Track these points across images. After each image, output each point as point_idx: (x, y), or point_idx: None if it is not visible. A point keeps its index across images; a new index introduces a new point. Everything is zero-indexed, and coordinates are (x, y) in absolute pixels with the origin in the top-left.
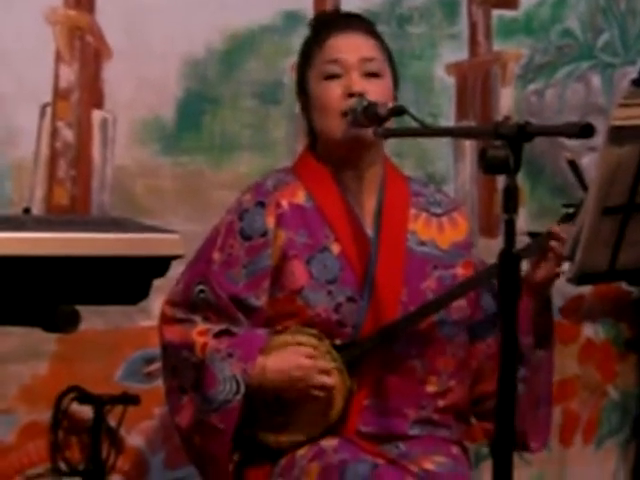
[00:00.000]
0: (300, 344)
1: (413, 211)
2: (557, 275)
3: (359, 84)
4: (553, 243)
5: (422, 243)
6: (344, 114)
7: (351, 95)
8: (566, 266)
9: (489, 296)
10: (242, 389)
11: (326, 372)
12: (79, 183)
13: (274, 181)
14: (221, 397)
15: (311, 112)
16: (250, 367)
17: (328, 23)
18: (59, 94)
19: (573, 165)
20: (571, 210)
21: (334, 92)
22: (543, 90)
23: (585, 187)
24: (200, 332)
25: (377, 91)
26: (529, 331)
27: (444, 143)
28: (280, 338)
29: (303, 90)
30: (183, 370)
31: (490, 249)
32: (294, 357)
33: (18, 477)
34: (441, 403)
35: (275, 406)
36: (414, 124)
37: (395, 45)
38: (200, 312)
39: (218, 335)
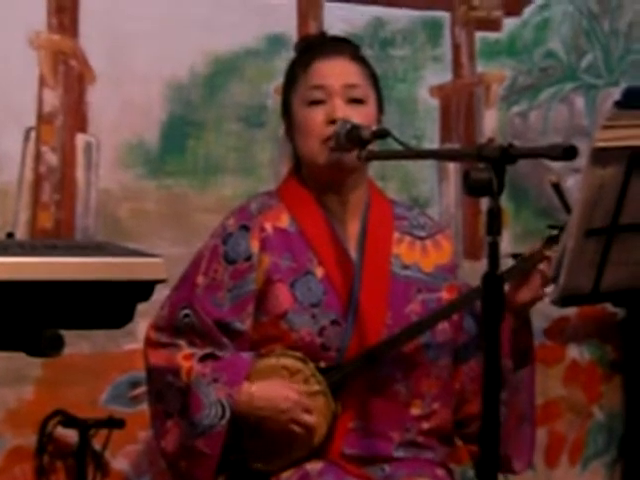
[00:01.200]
0: (285, 367)
1: (397, 235)
2: (540, 298)
3: (342, 110)
4: (542, 266)
5: (406, 267)
6: (326, 140)
7: (333, 122)
8: (550, 288)
9: (471, 319)
10: (227, 414)
11: (309, 411)
12: (63, 207)
13: (258, 205)
14: (206, 422)
15: (295, 136)
16: (235, 392)
17: (313, 47)
18: (43, 118)
19: (557, 188)
20: (555, 232)
21: (317, 118)
22: (527, 112)
23: (569, 209)
24: (185, 356)
25: (360, 118)
26: (507, 354)
27: (428, 166)
28: (265, 361)
29: (287, 113)
30: (168, 394)
31: (475, 271)
32: (283, 389)
33: None
34: (425, 426)
35: (260, 430)
36: (398, 147)
37: (379, 68)
38: (185, 336)
39: (203, 359)
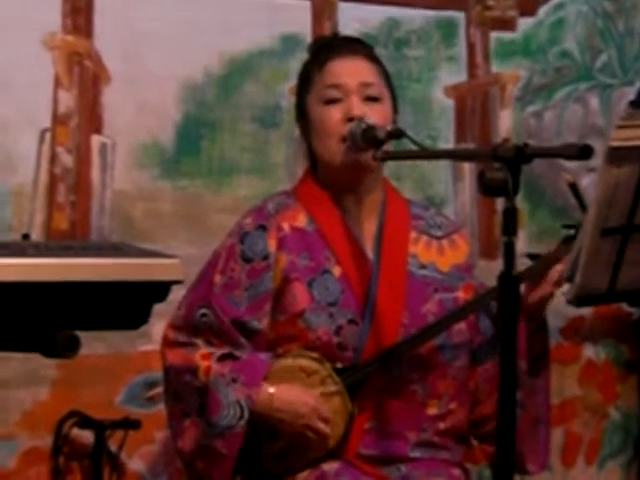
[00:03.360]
0: (302, 368)
1: (413, 234)
2: (551, 295)
3: (359, 108)
4: (559, 267)
5: (422, 266)
6: (344, 139)
7: (351, 119)
8: (566, 287)
9: (487, 319)
10: (246, 414)
11: (326, 421)
12: (78, 208)
13: (275, 204)
14: (225, 422)
15: (311, 136)
16: (255, 393)
17: (328, 47)
18: (58, 119)
19: (573, 187)
20: (572, 232)
21: (334, 117)
22: (542, 112)
23: (586, 209)
24: (203, 356)
25: (377, 116)
26: (522, 355)
27: (443, 166)
28: (281, 362)
29: (303, 114)
30: (186, 394)
31: (490, 271)
32: (303, 394)
33: None
34: (442, 426)
35: (276, 432)
36: (413, 147)
37: (393, 68)
38: (202, 336)
39: (221, 359)
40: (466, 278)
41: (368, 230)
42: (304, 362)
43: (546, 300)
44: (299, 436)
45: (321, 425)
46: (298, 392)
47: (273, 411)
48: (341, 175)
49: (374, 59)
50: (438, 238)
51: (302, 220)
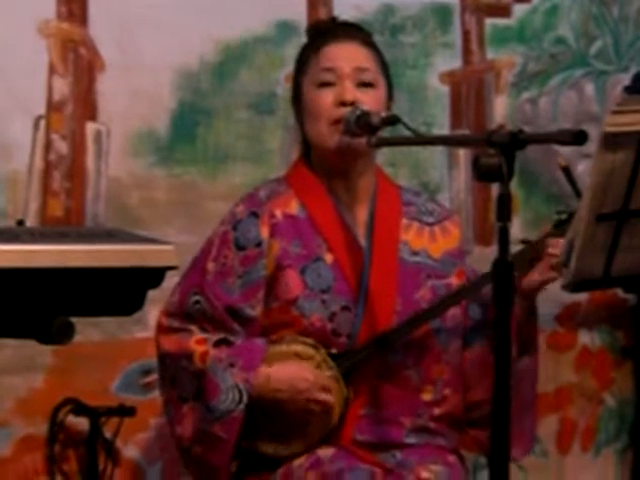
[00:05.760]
0: (297, 354)
1: (405, 221)
2: (552, 279)
3: (352, 93)
4: (552, 250)
5: (414, 253)
6: (336, 122)
7: (343, 104)
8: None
9: (476, 305)
10: (245, 399)
11: (327, 390)
12: (73, 195)
13: (267, 191)
14: (224, 407)
15: (304, 120)
16: (253, 376)
17: (325, 31)
18: (53, 106)
19: (566, 171)
20: (564, 216)
21: (326, 100)
22: (537, 98)
23: (578, 192)
24: (198, 341)
25: (370, 101)
26: (513, 341)
27: (438, 152)
28: (276, 348)
29: (298, 98)
30: (182, 379)
31: (485, 257)
32: (299, 369)
33: None
34: (437, 411)
35: (273, 416)
36: (408, 133)
37: (388, 54)
38: (196, 322)
39: (217, 344)
40: (458, 264)
41: (360, 217)
42: (299, 348)
43: (545, 285)
44: (300, 417)
45: (323, 395)
46: (294, 369)
47: (272, 391)
48: (333, 159)
49: (371, 45)
50: (430, 224)
51: (294, 207)
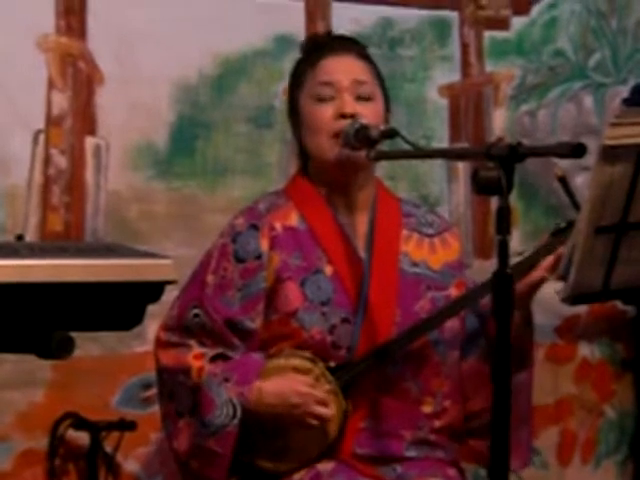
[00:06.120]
0: (295, 368)
1: (405, 232)
2: (542, 281)
3: (351, 106)
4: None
5: (414, 264)
6: (336, 135)
7: (343, 116)
8: (560, 286)
9: (472, 316)
10: (239, 413)
11: (324, 403)
12: (73, 209)
13: (267, 204)
14: (218, 421)
15: (303, 133)
16: (247, 391)
17: (320, 45)
18: (52, 121)
19: (563, 181)
20: (563, 224)
21: (326, 113)
22: (535, 111)
23: (575, 203)
24: (196, 356)
25: (369, 114)
26: None
27: (437, 165)
28: (274, 362)
29: (294, 111)
30: (179, 394)
31: (485, 270)
32: (293, 383)
33: None
34: (437, 424)
35: (271, 431)
36: (407, 146)
37: (387, 68)
38: (195, 336)
39: (214, 359)
40: (457, 276)
41: (360, 229)
42: (297, 361)
43: (537, 287)
44: (296, 432)
45: (319, 408)
46: (287, 383)
47: (266, 406)
48: (333, 172)
49: (366, 58)
50: (430, 236)
51: (294, 219)
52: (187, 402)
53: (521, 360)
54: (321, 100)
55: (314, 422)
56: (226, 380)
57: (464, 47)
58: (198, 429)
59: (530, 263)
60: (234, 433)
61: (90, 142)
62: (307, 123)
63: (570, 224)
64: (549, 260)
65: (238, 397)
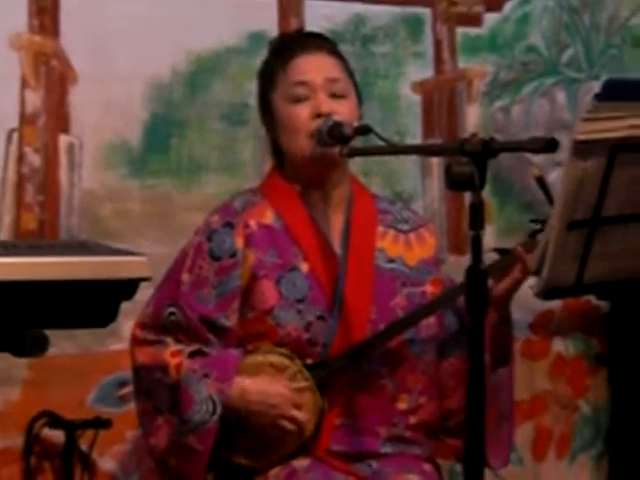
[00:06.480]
0: (272, 364)
1: (381, 229)
2: (519, 283)
3: (327, 105)
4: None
5: (390, 260)
6: (312, 135)
7: (319, 116)
8: (533, 281)
9: (452, 315)
10: (218, 409)
11: (299, 407)
12: (47, 208)
13: (242, 202)
14: (197, 418)
15: (278, 133)
16: (227, 387)
17: (291, 44)
18: (25, 119)
19: (540, 181)
20: (539, 226)
21: (302, 114)
22: (509, 106)
23: (552, 202)
24: (173, 353)
25: (344, 111)
26: (487, 350)
27: (411, 161)
28: (251, 358)
29: (268, 112)
30: (157, 391)
31: (459, 266)
32: (275, 384)
33: None
34: (412, 420)
35: (247, 428)
36: (380, 143)
37: (360, 64)
38: (171, 334)
39: (192, 355)
40: (434, 272)
41: (335, 225)
42: (274, 358)
43: (514, 288)
44: (274, 429)
45: (295, 412)
46: (269, 383)
47: (246, 404)
48: (309, 169)
49: (337, 54)
50: (405, 232)
51: (269, 217)
52: (165, 399)
53: (500, 357)
54: (296, 101)
55: (288, 426)
56: (205, 376)
57: (437, 43)
58: (177, 426)
59: (507, 263)
60: (214, 429)
61: (64, 140)
62: (283, 124)
63: (545, 225)
64: (517, 271)
65: (218, 393)
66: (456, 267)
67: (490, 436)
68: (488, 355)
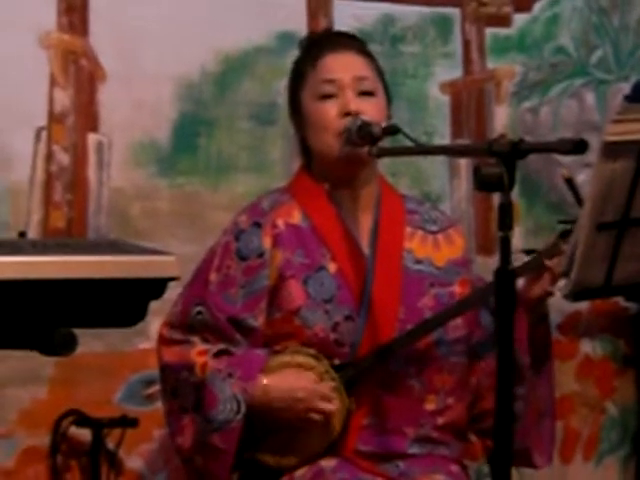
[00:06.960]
0: (299, 365)
1: (409, 229)
2: (550, 294)
3: (355, 103)
4: (549, 262)
5: (418, 261)
6: (340, 133)
7: (347, 114)
8: (562, 282)
9: (488, 314)
10: (243, 409)
11: (327, 398)
12: (75, 206)
13: (270, 201)
14: (222, 417)
15: (306, 131)
16: (251, 386)
17: (320, 42)
18: (54, 118)
19: (569, 182)
20: (569, 227)
21: (330, 112)
22: (537, 107)
23: (582, 203)
24: (199, 352)
25: (372, 110)
26: (525, 350)
27: (439, 162)
28: (279, 358)
29: (297, 110)
30: (183, 390)
31: (487, 267)
32: (298, 379)
33: None
34: (440, 421)
35: (274, 427)
36: (408, 143)
37: (389, 64)
38: (198, 333)
39: (217, 355)
40: (462, 273)
41: (363, 226)
42: (301, 359)
43: (545, 296)
44: (302, 422)
45: (323, 404)
46: (293, 378)
47: (270, 401)
48: (337, 169)
49: (366, 53)
50: (433, 233)
51: (297, 217)
52: (191, 398)
53: (540, 356)
54: (324, 98)
55: (317, 417)
56: (229, 375)
57: (466, 44)
58: (202, 425)
59: (536, 265)
60: (238, 429)
61: (92, 139)
62: (311, 122)
63: (574, 225)
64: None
65: (242, 393)
66: (484, 268)
67: (533, 434)
68: (527, 356)
